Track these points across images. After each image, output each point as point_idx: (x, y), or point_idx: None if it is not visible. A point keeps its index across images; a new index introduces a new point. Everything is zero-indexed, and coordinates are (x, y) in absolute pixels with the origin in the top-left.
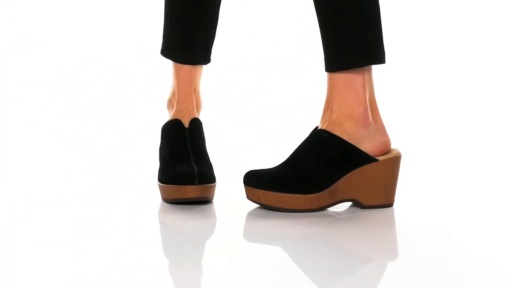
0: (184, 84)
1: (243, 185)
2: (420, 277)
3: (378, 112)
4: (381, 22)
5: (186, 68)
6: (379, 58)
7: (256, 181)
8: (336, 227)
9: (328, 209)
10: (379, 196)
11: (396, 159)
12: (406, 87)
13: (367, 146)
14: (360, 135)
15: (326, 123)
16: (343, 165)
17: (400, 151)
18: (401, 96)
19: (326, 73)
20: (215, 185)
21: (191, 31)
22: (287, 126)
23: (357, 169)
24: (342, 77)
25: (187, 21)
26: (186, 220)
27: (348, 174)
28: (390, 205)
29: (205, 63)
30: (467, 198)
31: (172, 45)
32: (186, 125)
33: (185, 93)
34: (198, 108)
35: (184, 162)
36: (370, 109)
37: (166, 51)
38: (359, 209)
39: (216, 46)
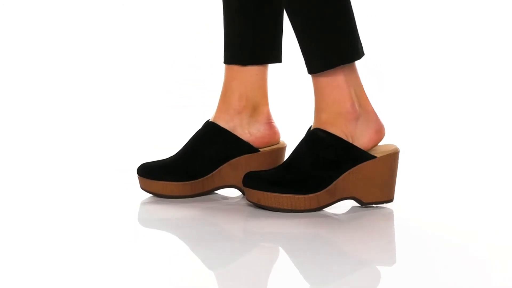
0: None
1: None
2: (420, 277)
3: (369, 102)
4: (349, 20)
5: (225, 67)
6: (353, 54)
7: (255, 182)
8: (336, 227)
9: (328, 209)
10: (378, 193)
11: (394, 155)
12: (404, 84)
13: (361, 138)
14: (353, 129)
15: (320, 122)
16: (341, 164)
17: (397, 146)
18: (400, 93)
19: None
20: (153, 181)
21: (226, 24)
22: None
23: (355, 167)
24: (323, 77)
25: (225, 15)
26: (186, 220)
27: (347, 173)
28: (390, 200)
29: (241, 63)
30: (467, 196)
31: None
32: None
33: (220, 94)
34: (237, 114)
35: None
36: (358, 101)
37: None
38: (359, 209)
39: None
